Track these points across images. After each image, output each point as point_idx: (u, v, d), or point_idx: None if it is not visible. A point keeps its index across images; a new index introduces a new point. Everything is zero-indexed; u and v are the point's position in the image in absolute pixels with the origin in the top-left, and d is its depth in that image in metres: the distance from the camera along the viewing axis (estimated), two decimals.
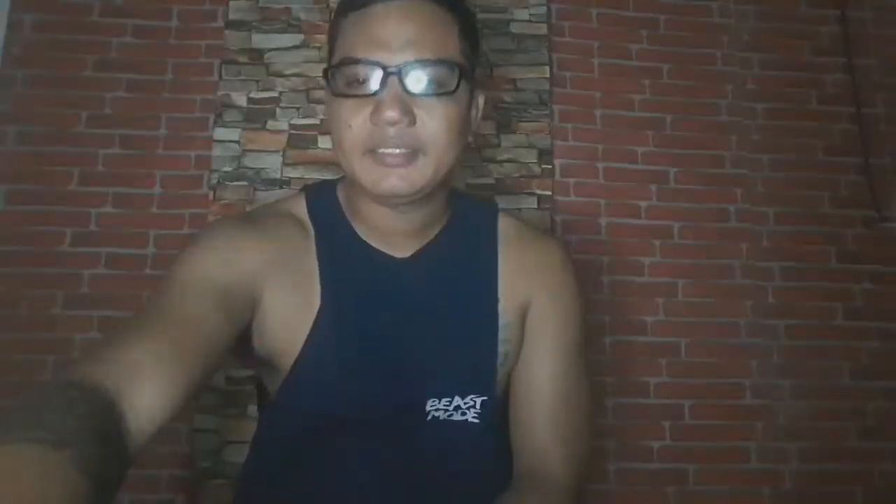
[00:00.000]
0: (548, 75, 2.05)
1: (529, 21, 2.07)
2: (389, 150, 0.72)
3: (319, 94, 1.98)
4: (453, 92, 0.73)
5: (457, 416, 0.81)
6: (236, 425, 1.76)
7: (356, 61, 0.72)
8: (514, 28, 2.07)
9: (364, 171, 0.74)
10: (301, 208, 0.85)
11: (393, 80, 0.71)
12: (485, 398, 0.82)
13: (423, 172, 0.74)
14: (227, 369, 1.79)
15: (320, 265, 0.81)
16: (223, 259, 0.74)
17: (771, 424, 1.95)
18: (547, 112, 2.04)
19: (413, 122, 0.71)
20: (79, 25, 1.99)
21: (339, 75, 0.73)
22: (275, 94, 1.98)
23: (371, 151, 0.73)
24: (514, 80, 2.04)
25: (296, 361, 0.79)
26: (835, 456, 1.94)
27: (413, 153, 0.73)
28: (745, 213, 2.07)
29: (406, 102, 0.71)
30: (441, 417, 0.81)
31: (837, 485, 1.92)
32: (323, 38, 2.02)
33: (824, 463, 1.93)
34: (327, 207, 0.85)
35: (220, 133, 1.95)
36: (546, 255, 0.89)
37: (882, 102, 2.16)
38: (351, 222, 0.84)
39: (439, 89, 0.72)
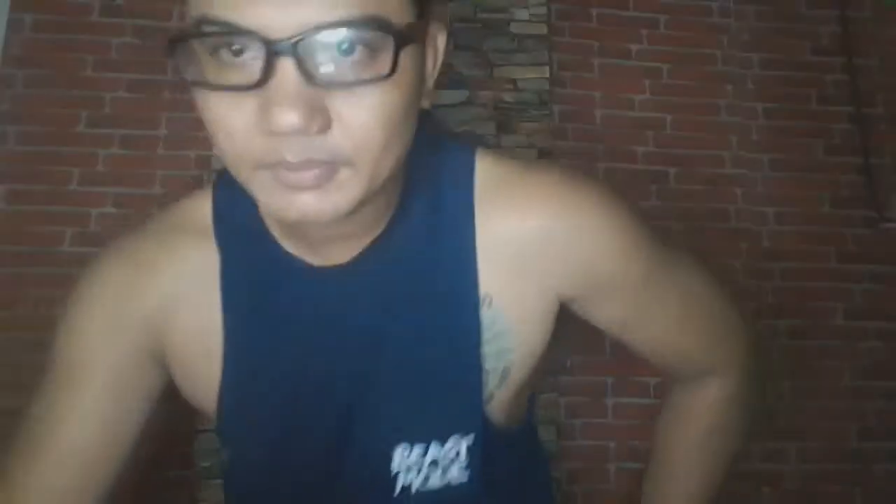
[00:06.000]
0: (548, 75, 2.05)
1: (529, 21, 2.08)
2: (294, 169, 0.46)
3: None
4: (388, 76, 0.44)
5: (435, 480, 0.60)
6: None
7: (220, 28, 0.43)
8: (514, 28, 2.07)
9: (262, 192, 0.48)
10: (206, 216, 0.62)
11: (285, 64, 0.42)
12: (471, 438, 0.60)
13: (349, 191, 0.47)
14: None
15: (224, 297, 0.61)
16: (107, 329, 0.60)
17: (771, 424, 1.95)
18: (547, 112, 2.04)
19: (326, 125, 0.44)
20: (79, 25, 1.99)
21: (199, 49, 0.45)
22: None
23: (267, 167, 0.46)
24: (514, 80, 2.04)
25: (217, 418, 0.63)
26: (834, 456, 1.94)
27: (330, 167, 0.46)
28: (745, 212, 2.07)
29: (311, 97, 0.43)
30: (413, 488, 0.60)
31: (837, 485, 1.92)
32: None
33: (824, 463, 1.93)
34: (238, 211, 0.61)
35: None
36: (551, 214, 0.59)
37: (882, 102, 2.17)
38: (269, 229, 0.61)
39: (366, 75, 0.44)
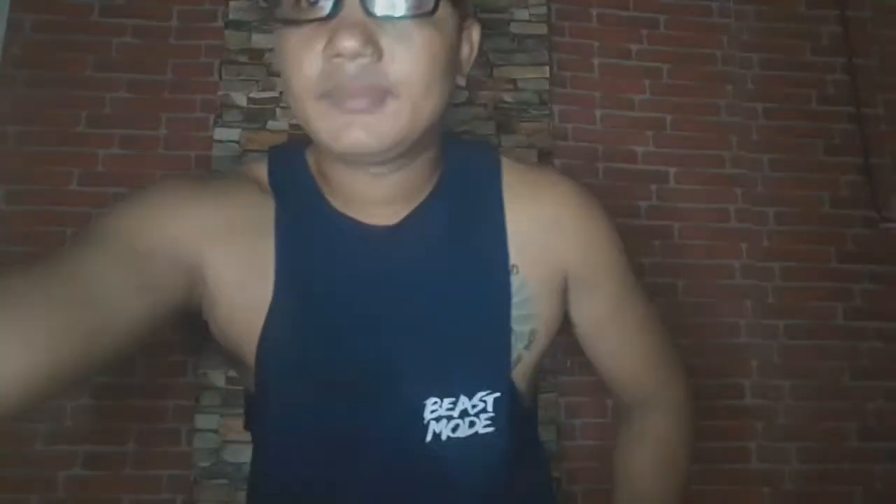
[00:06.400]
0: (548, 75, 2.05)
1: (529, 21, 2.08)
2: (350, 94, 0.55)
3: None
4: (431, 13, 0.56)
5: (464, 429, 0.66)
6: (236, 425, 1.76)
7: None
8: (514, 28, 2.07)
9: (320, 120, 0.57)
10: (263, 173, 0.69)
11: (350, 0, 0.55)
12: (498, 395, 0.66)
13: (394, 123, 0.57)
14: (227, 369, 1.79)
15: (277, 239, 0.65)
16: (155, 219, 0.60)
17: (771, 424, 1.95)
18: (547, 112, 2.04)
19: (379, 55, 0.55)
20: (79, 25, 1.99)
21: None
22: (275, 94, 1.98)
23: (327, 95, 0.56)
24: (514, 80, 2.04)
25: (257, 350, 0.64)
26: (835, 456, 1.94)
27: (381, 95, 0.56)
28: (745, 213, 2.07)
29: (369, 29, 0.55)
30: (444, 435, 0.66)
31: (837, 485, 1.92)
32: None
33: (824, 463, 1.93)
34: (292, 171, 0.70)
35: (220, 133, 1.95)
36: (563, 204, 0.72)
37: (882, 102, 2.16)
38: (321, 188, 0.68)
39: (413, 10, 0.56)
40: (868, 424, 1.96)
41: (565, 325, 0.76)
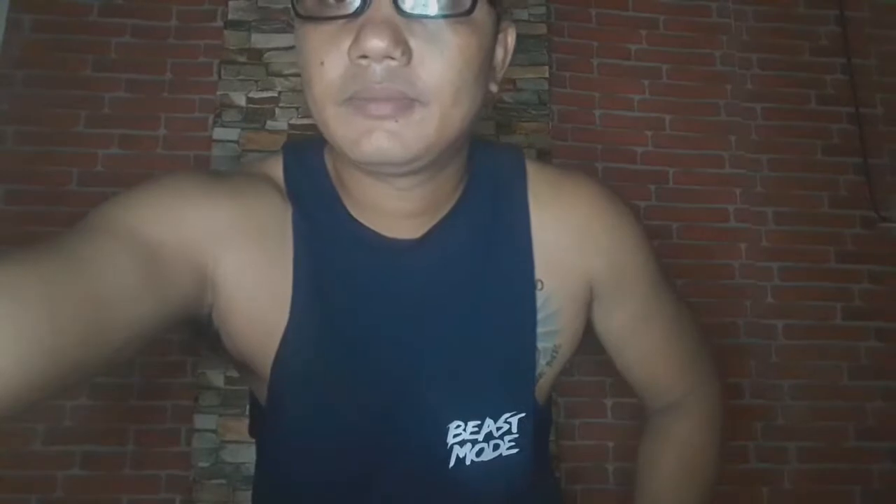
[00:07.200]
0: (547, 75, 2.06)
1: (529, 21, 2.08)
2: (374, 98, 0.50)
3: None
4: (468, 13, 0.51)
5: (488, 452, 0.63)
6: (235, 425, 1.76)
7: None
8: None
9: (339, 126, 0.52)
10: (279, 173, 0.64)
11: None
12: (523, 415, 0.64)
13: (421, 131, 0.52)
14: (226, 369, 1.79)
15: (295, 249, 0.60)
16: (166, 212, 0.54)
17: (770, 424, 1.95)
18: (546, 112, 2.04)
19: (409, 57, 0.50)
20: (78, 25, 1.99)
21: None
22: (274, 94, 1.98)
23: (349, 101, 0.51)
24: (513, 81, 2.04)
25: (272, 368, 0.60)
26: (833, 456, 1.94)
27: (408, 102, 0.51)
28: (744, 213, 2.07)
29: (399, 28, 0.50)
30: (468, 460, 0.63)
31: (836, 484, 1.93)
32: None
33: (823, 463, 1.93)
34: (310, 174, 0.64)
35: (219, 133, 1.95)
36: (589, 209, 0.68)
37: (881, 102, 2.17)
38: (340, 193, 0.63)
39: (449, 10, 0.51)
40: (867, 424, 1.96)
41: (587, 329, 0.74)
